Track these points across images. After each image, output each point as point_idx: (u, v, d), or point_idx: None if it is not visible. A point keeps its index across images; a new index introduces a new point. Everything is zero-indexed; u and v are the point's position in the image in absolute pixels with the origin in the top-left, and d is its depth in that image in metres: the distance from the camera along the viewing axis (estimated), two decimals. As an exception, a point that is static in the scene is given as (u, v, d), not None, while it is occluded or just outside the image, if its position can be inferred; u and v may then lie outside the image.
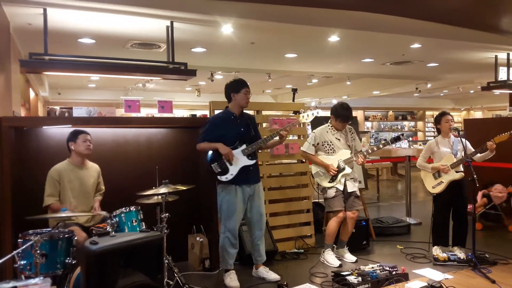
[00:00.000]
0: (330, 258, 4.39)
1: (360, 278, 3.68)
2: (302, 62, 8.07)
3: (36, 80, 9.12)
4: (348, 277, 3.72)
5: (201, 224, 4.51)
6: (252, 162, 3.86)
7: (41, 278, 2.51)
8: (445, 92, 14.90)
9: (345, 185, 4.36)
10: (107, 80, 10.29)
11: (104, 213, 3.76)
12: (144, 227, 3.60)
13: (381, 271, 3.84)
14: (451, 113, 4.69)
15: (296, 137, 5.32)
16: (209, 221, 4.41)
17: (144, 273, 2.67)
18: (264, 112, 5.16)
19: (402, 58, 7.75)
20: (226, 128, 3.85)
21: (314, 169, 4.48)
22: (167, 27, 4.97)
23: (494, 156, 4.41)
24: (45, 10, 4.26)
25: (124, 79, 9.46)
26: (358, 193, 4.47)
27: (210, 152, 3.84)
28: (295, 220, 5.06)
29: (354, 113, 4.66)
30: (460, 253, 4.40)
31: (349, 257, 4.50)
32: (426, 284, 3.67)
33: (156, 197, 3.72)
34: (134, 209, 3.63)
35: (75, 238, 3.18)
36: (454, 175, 4.45)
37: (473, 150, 4.48)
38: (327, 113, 4.77)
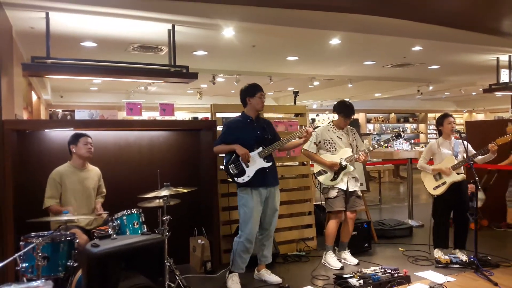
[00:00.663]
0: (331, 260, 4.39)
1: (362, 281, 3.68)
2: (304, 64, 8.08)
3: (38, 83, 9.16)
4: (349, 280, 3.72)
5: (202, 226, 4.52)
6: (269, 164, 3.87)
7: (43, 280, 2.51)
8: (447, 94, 14.88)
9: (347, 185, 4.36)
10: (109, 83, 10.31)
11: (106, 213, 3.77)
12: (145, 229, 3.60)
13: (383, 274, 3.83)
14: (453, 115, 4.69)
15: (297, 139, 5.30)
16: (210, 224, 4.42)
17: (145, 276, 2.67)
18: (266, 115, 5.15)
19: (403, 60, 7.75)
20: (242, 131, 3.88)
21: (316, 168, 4.48)
22: (169, 30, 4.99)
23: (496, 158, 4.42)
24: (47, 14, 4.28)
25: (126, 82, 9.49)
26: (359, 193, 4.47)
27: (227, 155, 3.86)
28: (296, 222, 5.06)
29: (356, 116, 4.68)
30: (462, 256, 4.39)
31: (351, 260, 4.50)
32: (428, 286, 3.67)
33: (157, 200, 3.73)
34: (135, 212, 3.64)
35: (77, 240, 3.19)
36: (456, 177, 4.45)
37: (474, 152, 4.48)
38: (329, 115, 4.78)
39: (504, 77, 7.05)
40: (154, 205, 3.73)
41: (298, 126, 5.13)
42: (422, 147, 13.88)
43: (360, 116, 16.31)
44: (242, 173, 3.80)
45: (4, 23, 4.38)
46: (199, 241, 4.35)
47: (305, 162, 5.12)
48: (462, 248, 4.58)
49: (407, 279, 3.82)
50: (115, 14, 4.50)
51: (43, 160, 3.98)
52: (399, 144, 11.70)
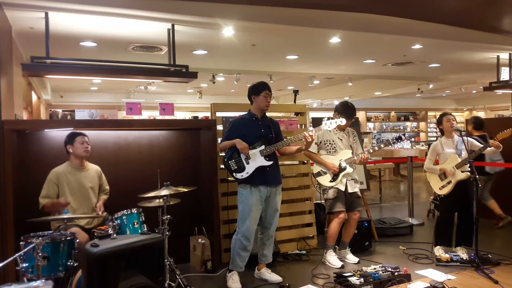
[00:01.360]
0: (332, 259, 4.39)
1: (362, 279, 3.68)
2: (304, 63, 8.07)
3: (38, 83, 9.16)
4: (350, 278, 3.72)
5: (202, 225, 4.51)
6: (269, 163, 3.86)
7: (43, 280, 2.52)
8: (447, 92, 14.87)
9: (346, 186, 4.36)
10: (109, 83, 10.31)
11: (105, 214, 3.77)
12: (145, 229, 3.61)
13: (383, 272, 3.83)
14: (454, 114, 4.72)
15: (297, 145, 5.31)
16: (210, 223, 4.42)
17: (145, 275, 2.67)
18: (267, 114, 5.15)
19: (403, 59, 7.74)
20: (247, 129, 3.89)
21: (315, 168, 4.48)
22: (168, 30, 4.98)
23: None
24: (46, 14, 4.27)
25: (126, 82, 9.49)
26: (359, 193, 4.47)
27: (228, 151, 3.87)
28: (297, 221, 5.06)
29: (356, 114, 4.67)
30: (462, 254, 4.39)
31: (351, 258, 4.50)
32: (428, 285, 3.66)
33: (158, 199, 3.73)
34: (135, 211, 3.64)
35: (77, 240, 3.19)
36: (461, 175, 4.45)
37: (480, 146, 4.50)
38: (329, 114, 4.77)
39: (505, 75, 7.05)
40: (154, 204, 3.73)
41: (298, 125, 5.13)
42: (422, 145, 13.88)
43: (360, 115, 16.29)
44: (241, 169, 3.80)
45: (3, 23, 4.38)
46: (200, 240, 4.35)
47: (305, 161, 5.12)
48: (467, 245, 4.58)
49: (407, 278, 3.82)
50: (115, 14, 4.49)
51: (43, 160, 3.98)
52: (400, 142, 11.69)
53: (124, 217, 3.56)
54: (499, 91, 7.44)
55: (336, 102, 4.82)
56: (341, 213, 4.34)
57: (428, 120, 18.20)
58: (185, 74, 4.83)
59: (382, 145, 4.52)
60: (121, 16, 4.58)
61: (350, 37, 5.88)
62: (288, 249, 4.87)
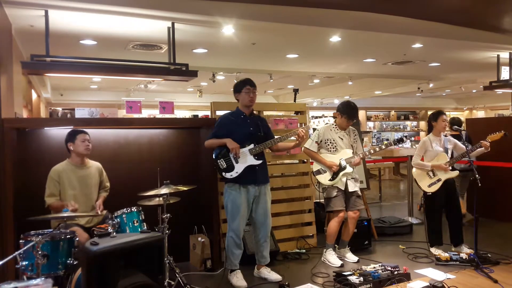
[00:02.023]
0: (331, 258, 4.39)
1: (362, 278, 3.68)
2: (304, 62, 8.06)
3: (38, 81, 9.15)
4: (350, 277, 3.72)
5: (202, 224, 4.52)
6: (259, 162, 3.85)
7: (43, 278, 2.52)
8: (447, 91, 14.84)
9: (346, 185, 4.36)
10: (109, 81, 10.30)
11: (105, 212, 3.77)
12: (145, 227, 3.61)
13: (383, 271, 3.84)
14: (454, 113, 4.74)
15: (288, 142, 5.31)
16: (210, 222, 4.42)
17: (145, 274, 2.67)
18: (266, 113, 5.16)
19: (403, 58, 7.73)
20: (235, 126, 3.86)
21: (315, 167, 4.48)
22: (169, 28, 4.98)
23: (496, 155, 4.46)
24: (46, 12, 4.27)
25: (126, 80, 9.48)
26: (359, 192, 4.47)
27: (217, 149, 3.85)
28: (297, 220, 5.06)
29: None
30: (462, 253, 4.39)
31: (351, 257, 4.50)
32: (428, 284, 3.66)
33: (157, 198, 3.73)
34: (135, 210, 3.64)
35: (77, 238, 3.19)
36: (451, 173, 4.48)
37: (462, 147, 4.54)
38: (329, 113, 4.77)
39: (505, 74, 7.04)
40: (154, 203, 3.73)
41: (298, 124, 5.12)
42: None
43: (360, 114, 16.24)
44: (230, 168, 3.79)
45: (3, 21, 4.37)
46: (199, 239, 4.35)
47: (305, 160, 5.12)
48: (460, 242, 4.60)
49: (407, 277, 3.83)
50: (115, 12, 4.48)
51: (43, 158, 3.98)
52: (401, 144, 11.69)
53: (124, 216, 3.56)
54: (499, 91, 7.42)
55: (336, 101, 4.83)
56: (340, 212, 4.34)
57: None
58: (185, 72, 4.83)
59: (383, 146, 4.52)
60: (121, 14, 4.57)
61: (350, 36, 5.88)
62: (288, 248, 4.87)
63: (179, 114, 12.85)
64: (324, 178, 4.39)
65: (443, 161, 4.48)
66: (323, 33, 5.73)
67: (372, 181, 8.63)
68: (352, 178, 4.41)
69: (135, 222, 3.59)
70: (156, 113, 10.69)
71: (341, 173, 4.33)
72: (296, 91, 5.71)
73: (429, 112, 17.94)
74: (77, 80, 9.93)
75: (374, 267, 3.95)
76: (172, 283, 3.60)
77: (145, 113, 10.92)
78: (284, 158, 5.08)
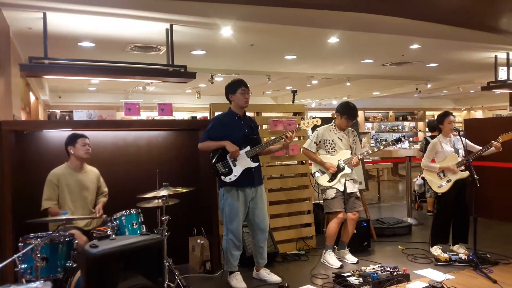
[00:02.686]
0: (331, 259, 4.39)
1: (361, 279, 3.68)
2: (302, 63, 8.07)
3: (36, 84, 9.13)
4: (349, 278, 3.72)
5: (201, 226, 4.51)
6: (255, 164, 3.84)
7: (42, 281, 2.50)
8: (445, 92, 14.87)
9: (345, 186, 4.36)
10: (107, 83, 10.29)
11: (104, 217, 3.76)
12: (144, 230, 3.60)
13: (382, 272, 3.84)
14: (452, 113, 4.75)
15: (296, 139, 5.31)
16: (209, 223, 4.41)
17: (144, 276, 2.67)
18: (264, 114, 5.16)
19: (401, 58, 7.75)
20: (231, 128, 3.82)
21: (314, 167, 4.48)
22: (167, 30, 4.98)
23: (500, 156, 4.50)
24: (44, 14, 4.26)
25: (124, 82, 9.47)
26: (358, 194, 4.47)
27: (214, 152, 3.82)
28: (296, 221, 5.06)
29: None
30: (461, 253, 4.40)
31: (350, 258, 4.50)
32: (427, 284, 3.67)
33: (156, 200, 3.72)
34: (134, 212, 3.63)
35: (76, 241, 3.18)
36: (462, 174, 4.48)
37: (474, 145, 4.55)
38: (328, 114, 4.77)
39: (502, 74, 7.07)
40: (153, 205, 3.72)
41: (296, 125, 5.12)
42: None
43: (358, 115, 16.26)
44: (229, 172, 3.77)
45: (1, 24, 4.37)
46: (198, 240, 4.34)
47: (304, 161, 5.12)
48: (463, 242, 4.60)
49: (406, 277, 3.83)
50: (113, 14, 4.49)
51: (42, 161, 3.97)
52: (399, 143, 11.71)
53: (123, 218, 3.55)
54: (497, 91, 7.45)
55: (335, 102, 4.84)
56: (339, 213, 4.34)
57: (426, 120, 18.19)
58: (183, 74, 4.83)
59: (382, 147, 4.52)
60: (119, 16, 4.57)
61: (348, 37, 5.89)
62: (287, 249, 4.87)
63: (177, 116, 12.83)
64: (323, 179, 4.38)
65: (453, 162, 4.48)
66: (321, 35, 5.74)
67: (371, 182, 8.64)
68: (351, 179, 4.41)
69: (134, 224, 3.59)
70: (154, 115, 10.67)
71: (339, 174, 4.33)
72: (294, 92, 5.72)
73: (427, 113, 18.07)
74: (75, 82, 9.92)
75: (374, 268, 3.95)
76: (172, 285, 3.59)
77: (144, 115, 10.91)
78: (283, 159, 5.08)
